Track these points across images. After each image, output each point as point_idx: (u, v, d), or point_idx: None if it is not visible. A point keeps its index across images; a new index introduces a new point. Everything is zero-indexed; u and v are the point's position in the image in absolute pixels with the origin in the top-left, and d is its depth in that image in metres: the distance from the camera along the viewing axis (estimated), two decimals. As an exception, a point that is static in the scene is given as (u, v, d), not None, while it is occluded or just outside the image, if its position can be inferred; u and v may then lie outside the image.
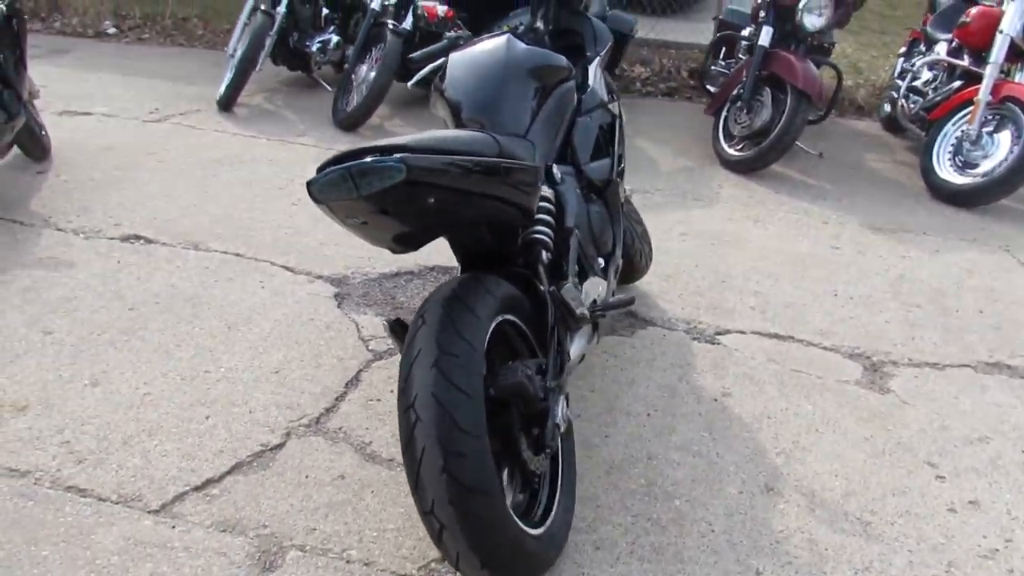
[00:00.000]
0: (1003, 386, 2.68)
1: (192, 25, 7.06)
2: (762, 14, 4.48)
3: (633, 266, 2.97)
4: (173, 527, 1.93)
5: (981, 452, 2.35)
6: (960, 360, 2.81)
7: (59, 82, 5.47)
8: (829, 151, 4.88)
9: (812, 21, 4.32)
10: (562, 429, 1.77)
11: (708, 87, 5.01)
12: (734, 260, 3.44)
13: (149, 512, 1.97)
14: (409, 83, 2.45)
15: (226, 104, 4.98)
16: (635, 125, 5.24)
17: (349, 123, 4.75)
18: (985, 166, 4.08)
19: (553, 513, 1.85)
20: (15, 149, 3.85)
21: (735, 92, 4.52)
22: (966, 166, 4.17)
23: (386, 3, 4.70)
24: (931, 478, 2.24)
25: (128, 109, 4.96)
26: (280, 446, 2.22)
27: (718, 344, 2.82)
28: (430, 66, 2.35)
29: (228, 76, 4.96)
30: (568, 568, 1.87)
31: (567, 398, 1.95)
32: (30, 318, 2.73)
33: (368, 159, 1.38)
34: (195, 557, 1.85)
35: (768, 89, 4.43)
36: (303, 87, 5.60)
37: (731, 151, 4.53)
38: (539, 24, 2.56)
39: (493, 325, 1.70)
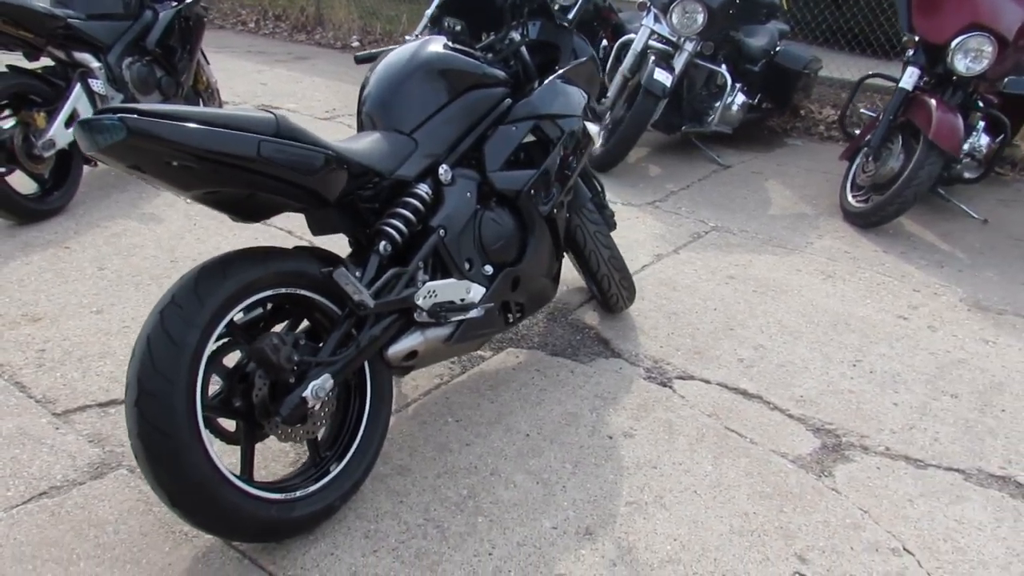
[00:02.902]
0: (990, 505, 2.18)
1: (419, 42, 7.79)
2: (909, 53, 3.97)
3: (603, 292, 2.86)
4: (57, 428, 2.29)
5: (881, 563, 1.96)
6: (955, 463, 2.33)
7: (279, 82, 6.40)
8: (1006, 219, 4.18)
9: (966, 65, 3.75)
10: (310, 406, 1.82)
11: (850, 132, 4.53)
12: (764, 311, 3.13)
13: (52, 414, 2.35)
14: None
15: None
16: (783, 168, 4.91)
17: (600, 163, 4.60)
18: None
19: (311, 489, 1.90)
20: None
21: (868, 138, 4.06)
22: None
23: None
24: (787, 572, 1.92)
25: (312, 108, 5.67)
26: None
27: (668, 388, 2.62)
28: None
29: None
30: (320, 545, 1.92)
31: (353, 381, 2.04)
32: (97, 255, 3.32)
33: (97, 116, 1.58)
34: (53, 454, 2.18)
35: (901, 137, 3.92)
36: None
37: (853, 202, 4.07)
38: (515, 35, 2.59)
39: (258, 295, 1.81)
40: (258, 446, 1.93)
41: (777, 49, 5.25)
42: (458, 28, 2.76)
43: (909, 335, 3.01)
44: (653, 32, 4.59)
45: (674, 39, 4.55)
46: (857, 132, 4.40)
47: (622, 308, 2.98)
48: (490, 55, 2.55)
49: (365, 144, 2.08)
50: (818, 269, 3.53)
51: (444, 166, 2.22)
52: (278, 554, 1.89)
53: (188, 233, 3.56)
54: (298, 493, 1.88)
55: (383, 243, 2.05)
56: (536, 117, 2.42)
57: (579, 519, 2.05)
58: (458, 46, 2.38)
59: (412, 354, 2.11)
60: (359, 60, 2.54)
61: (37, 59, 3.73)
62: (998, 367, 2.82)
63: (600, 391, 2.58)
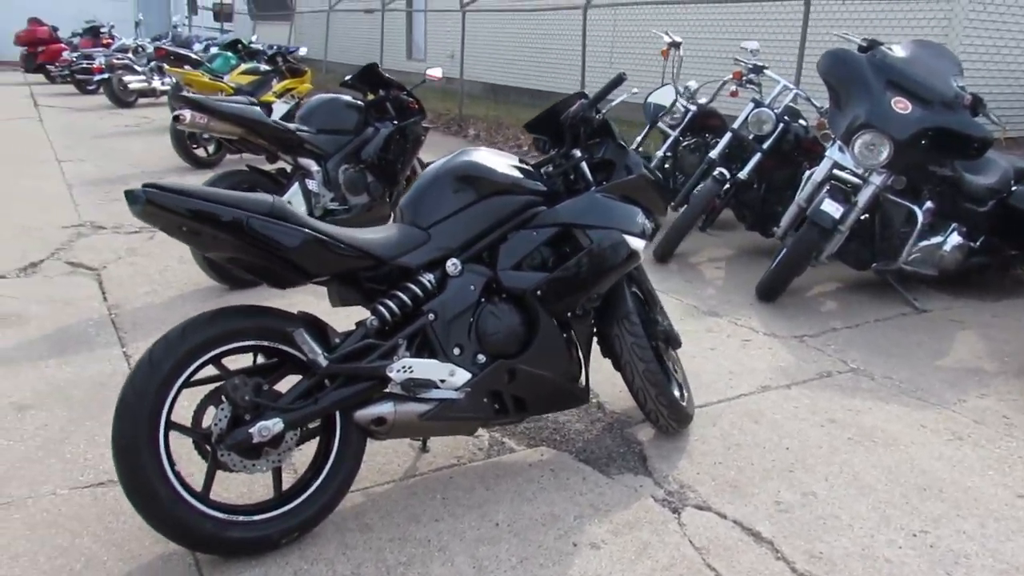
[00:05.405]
0: None
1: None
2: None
3: (641, 406, 2.83)
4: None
5: None
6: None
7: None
8: None
9: None
10: (254, 441, 2.10)
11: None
12: (844, 460, 2.81)
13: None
14: None
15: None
16: (997, 319, 4.40)
17: (762, 292, 4.51)
18: None
19: (255, 518, 2.18)
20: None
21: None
22: None
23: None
24: None
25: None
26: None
27: (674, 513, 2.49)
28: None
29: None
30: (255, 570, 2.17)
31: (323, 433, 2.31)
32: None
33: (135, 189, 2.09)
34: (129, 458, 2.71)
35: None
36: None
37: (1041, 364, 3.46)
38: (576, 152, 2.79)
39: (242, 342, 2.18)
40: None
41: (1012, 189, 4.68)
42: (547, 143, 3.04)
43: (1016, 518, 2.51)
44: (836, 164, 4.41)
45: (859, 172, 4.32)
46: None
47: (666, 427, 2.88)
48: (550, 168, 2.79)
49: (375, 233, 2.41)
50: (949, 428, 3.06)
51: (454, 259, 2.46)
52: (219, 569, 2.18)
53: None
54: (240, 518, 2.17)
55: (371, 318, 2.33)
56: (560, 225, 2.57)
57: (486, 609, 2.06)
58: (508, 156, 2.65)
59: (380, 420, 2.32)
60: (422, 166, 2.90)
61: (275, 162, 4.68)
62: (1116, 576, 2.24)
63: (599, 502, 2.54)
